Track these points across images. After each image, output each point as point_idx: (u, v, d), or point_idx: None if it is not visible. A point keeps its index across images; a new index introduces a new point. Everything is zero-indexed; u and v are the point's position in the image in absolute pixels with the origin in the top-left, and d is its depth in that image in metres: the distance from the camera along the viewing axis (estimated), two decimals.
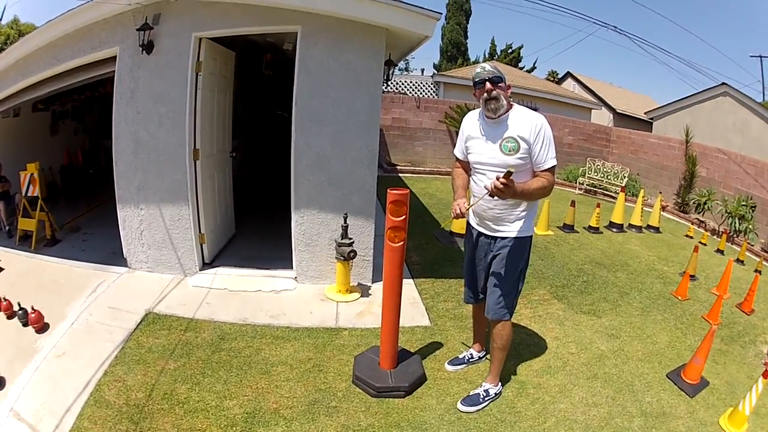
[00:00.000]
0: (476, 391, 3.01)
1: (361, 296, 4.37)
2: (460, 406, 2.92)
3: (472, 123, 2.93)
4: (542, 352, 3.74)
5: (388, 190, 2.83)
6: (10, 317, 3.97)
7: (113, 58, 4.33)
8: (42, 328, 3.79)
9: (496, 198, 2.54)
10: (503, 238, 2.84)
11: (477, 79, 2.75)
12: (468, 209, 2.81)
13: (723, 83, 14.41)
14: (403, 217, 2.84)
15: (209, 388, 2.95)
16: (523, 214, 2.83)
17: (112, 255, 5.05)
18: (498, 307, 2.90)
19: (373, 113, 4.29)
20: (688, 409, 3.21)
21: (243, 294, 4.28)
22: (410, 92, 15.84)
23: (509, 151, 2.69)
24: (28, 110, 6.63)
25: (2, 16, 19.06)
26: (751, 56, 31.85)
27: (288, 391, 2.93)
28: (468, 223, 3.13)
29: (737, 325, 4.82)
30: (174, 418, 2.70)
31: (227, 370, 3.14)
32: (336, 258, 4.24)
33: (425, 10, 3.91)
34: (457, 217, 2.77)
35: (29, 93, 5.32)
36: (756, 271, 6.52)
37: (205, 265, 4.71)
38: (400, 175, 11.14)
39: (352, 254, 4.14)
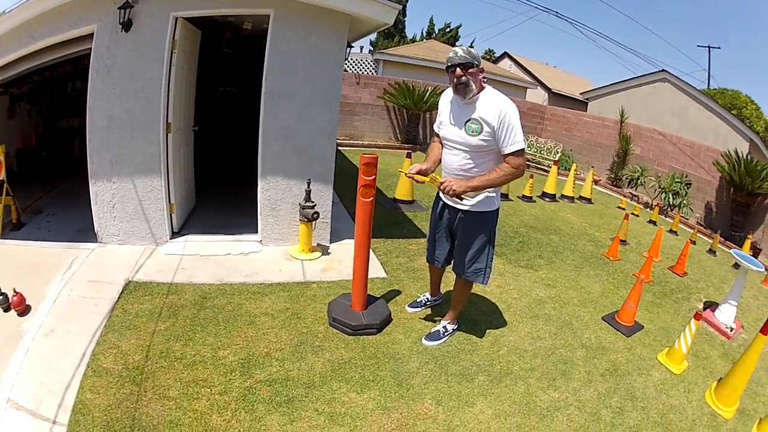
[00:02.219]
0: (436, 328, 3.66)
1: (322, 255, 4.96)
2: (424, 341, 3.54)
3: (446, 100, 3.27)
4: (488, 296, 4.44)
5: (362, 155, 3.37)
6: None
7: (88, 36, 4.57)
8: (24, 310, 3.93)
9: (453, 189, 2.97)
10: (465, 212, 3.23)
11: (449, 64, 3.04)
12: (408, 172, 3.14)
13: (663, 70, 15.79)
14: (374, 176, 3.40)
15: (202, 342, 3.34)
16: (488, 192, 3.18)
17: (79, 233, 5.28)
18: (469, 271, 3.37)
19: (335, 91, 4.87)
20: (626, 346, 3.97)
21: (215, 258, 4.71)
22: (350, 69, 16.43)
23: (472, 132, 3.01)
24: None
25: None
26: (698, 46, 34.25)
27: (274, 337, 3.42)
28: (437, 194, 3.49)
29: (670, 284, 5.69)
30: (175, 372, 3.04)
31: (215, 324, 3.55)
32: (300, 220, 4.79)
33: (388, 0, 4.48)
34: (409, 175, 3.15)
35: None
36: (690, 241, 7.50)
37: (174, 234, 5.10)
38: (339, 148, 11.58)
39: (315, 215, 4.71)
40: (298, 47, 4.59)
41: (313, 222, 4.77)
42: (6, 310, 3.91)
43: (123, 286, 4.13)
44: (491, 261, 3.38)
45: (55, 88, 8.75)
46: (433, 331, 3.67)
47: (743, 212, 9.63)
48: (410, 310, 4.01)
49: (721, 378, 3.63)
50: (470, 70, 2.95)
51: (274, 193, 4.90)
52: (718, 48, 27.45)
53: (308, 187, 4.73)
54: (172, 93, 4.68)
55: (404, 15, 30.01)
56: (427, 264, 3.86)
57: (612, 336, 4.10)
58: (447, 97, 3.29)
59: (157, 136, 4.64)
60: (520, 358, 3.51)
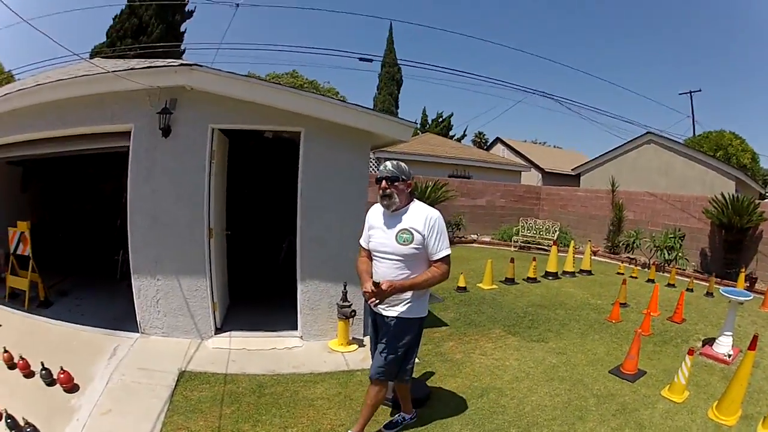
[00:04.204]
0: (394, 419, 4.29)
1: (359, 347, 6.02)
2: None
3: (375, 213, 3.78)
4: (509, 369, 5.59)
5: None
6: (27, 376, 4.78)
7: (122, 133, 5.60)
8: (72, 388, 4.61)
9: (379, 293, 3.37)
10: (390, 317, 3.66)
11: (378, 175, 3.57)
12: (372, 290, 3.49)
13: (648, 132, 18.26)
14: None
15: (269, 422, 4.20)
16: (408, 299, 3.61)
17: (115, 321, 6.19)
18: (378, 369, 3.74)
19: (361, 201, 6.00)
20: (632, 389, 5.09)
21: (261, 352, 5.69)
22: None
23: (403, 241, 3.50)
24: (3, 163, 7.44)
25: None
26: (680, 94, 37.67)
27: (334, 416, 4.36)
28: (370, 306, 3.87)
29: (669, 332, 6.97)
30: None
31: (278, 408, 4.46)
32: (338, 317, 5.89)
33: (405, 120, 5.88)
34: (368, 297, 3.55)
35: (24, 149, 6.24)
36: (688, 289, 8.96)
37: (217, 330, 6.09)
38: None
39: (353, 313, 5.88)
40: (328, 162, 5.77)
41: (351, 319, 5.89)
42: (49, 385, 4.63)
43: (178, 375, 4.99)
44: (405, 368, 3.91)
45: (67, 171, 9.78)
46: (387, 421, 4.27)
47: (735, 249, 11.26)
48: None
49: (721, 396, 4.67)
50: (395, 183, 3.53)
51: (313, 295, 6.01)
52: (699, 91, 30.51)
53: (345, 288, 5.86)
54: (212, 199, 5.75)
55: (397, 107, 33.19)
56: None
57: (619, 384, 5.23)
58: (376, 210, 3.82)
59: (201, 240, 5.71)
60: (543, 412, 4.58)
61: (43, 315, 6.38)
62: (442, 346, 6.28)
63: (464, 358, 5.86)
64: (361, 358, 5.69)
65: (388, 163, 3.64)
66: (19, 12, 4.34)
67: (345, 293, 5.88)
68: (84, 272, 8.67)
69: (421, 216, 3.54)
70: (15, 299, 6.75)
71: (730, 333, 6.03)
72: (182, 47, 25.69)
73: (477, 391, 5.00)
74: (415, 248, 3.51)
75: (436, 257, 3.54)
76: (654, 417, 4.55)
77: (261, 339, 6.06)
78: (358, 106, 5.72)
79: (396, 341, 3.70)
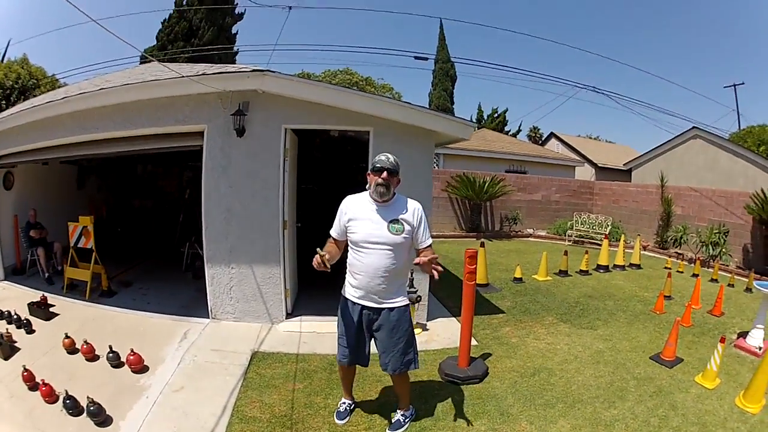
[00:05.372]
0: (397, 418, 4.51)
1: (422, 330, 6.77)
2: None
3: (358, 205, 3.96)
4: (559, 352, 6.31)
5: (466, 249, 5.22)
6: (91, 360, 5.21)
7: (191, 133, 6.25)
8: (141, 369, 5.07)
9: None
10: (390, 309, 3.98)
11: (378, 165, 3.79)
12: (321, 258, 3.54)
13: (693, 127, 19.16)
14: (475, 265, 5.22)
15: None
16: (404, 286, 4.08)
17: (182, 308, 6.89)
18: (402, 365, 4.10)
19: (427, 192, 6.71)
20: (669, 374, 5.74)
21: (331, 335, 6.02)
22: None
23: (396, 231, 3.79)
24: (56, 161, 7.94)
25: (5, 53, 21.29)
26: (724, 87, 37.76)
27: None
28: (346, 298, 4.11)
29: (708, 324, 7.66)
30: (321, 418, 4.49)
31: None
32: None
33: (466, 120, 6.56)
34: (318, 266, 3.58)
35: (85, 149, 6.80)
36: (729, 285, 9.68)
37: (288, 315, 6.82)
38: None
39: (418, 299, 6.57)
40: (395, 157, 6.31)
41: (416, 304, 6.56)
42: (116, 367, 5.09)
43: (250, 355, 5.63)
44: (416, 347, 4.25)
45: (125, 168, 10.63)
46: (394, 421, 4.49)
47: None
48: (340, 422, 4.54)
49: (748, 384, 5.11)
50: (394, 177, 3.83)
51: None
52: (742, 84, 30.89)
53: (411, 275, 6.51)
54: (286, 194, 6.45)
55: (452, 102, 34.22)
56: (341, 368, 4.49)
57: (658, 369, 5.87)
58: (359, 201, 4.01)
59: (276, 231, 6.43)
60: (587, 391, 5.27)
61: (106, 304, 6.98)
62: (499, 330, 7.10)
63: (519, 342, 6.64)
64: (424, 340, 6.43)
65: (389, 155, 3.90)
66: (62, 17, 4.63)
67: (411, 280, 6.51)
68: (146, 265, 9.33)
69: (409, 208, 3.92)
70: (73, 290, 7.33)
71: (762, 326, 6.54)
72: (235, 48, 27.06)
73: (529, 371, 5.71)
74: (404, 237, 3.84)
75: (423, 245, 3.94)
76: (686, 400, 5.15)
77: (331, 323, 6.43)
78: (423, 107, 6.45)
79: (401, 329, 4.05)
